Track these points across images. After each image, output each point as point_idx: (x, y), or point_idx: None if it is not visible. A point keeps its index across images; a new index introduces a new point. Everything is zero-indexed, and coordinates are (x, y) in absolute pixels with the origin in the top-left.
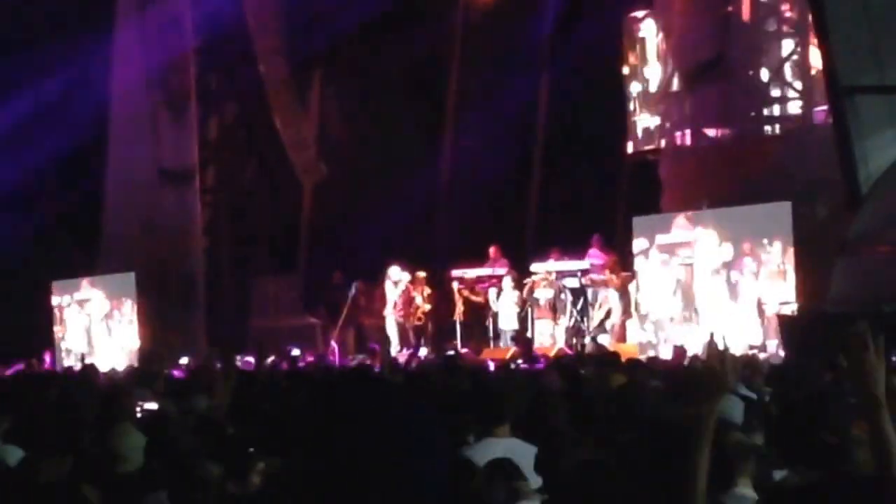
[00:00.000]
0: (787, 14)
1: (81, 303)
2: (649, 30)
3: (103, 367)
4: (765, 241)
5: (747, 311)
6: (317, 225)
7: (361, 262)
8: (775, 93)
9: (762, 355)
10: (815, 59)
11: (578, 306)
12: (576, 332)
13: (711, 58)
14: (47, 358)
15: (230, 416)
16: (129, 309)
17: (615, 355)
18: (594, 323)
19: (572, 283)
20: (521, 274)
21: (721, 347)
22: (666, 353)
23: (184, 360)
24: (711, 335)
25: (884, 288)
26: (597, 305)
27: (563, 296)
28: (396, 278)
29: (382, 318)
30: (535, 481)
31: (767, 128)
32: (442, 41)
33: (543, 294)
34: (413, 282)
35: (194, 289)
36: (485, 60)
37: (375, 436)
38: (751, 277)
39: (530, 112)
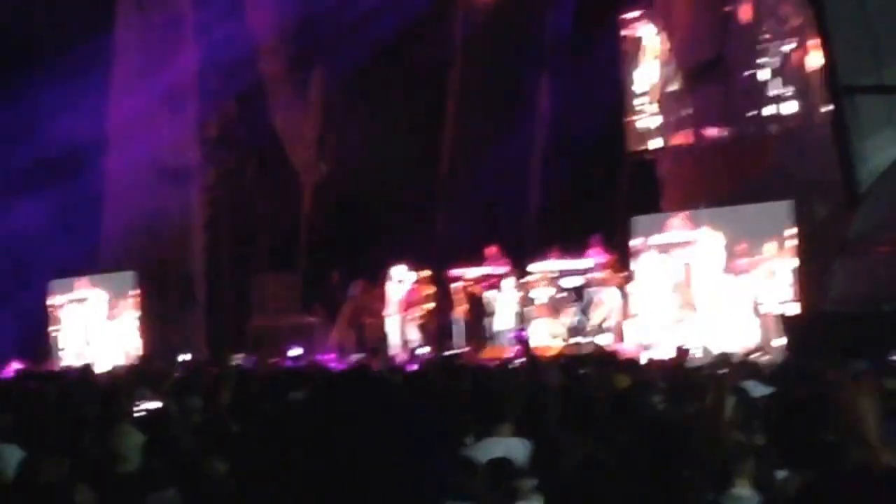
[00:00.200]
0: (787, 14)
1: (81, 301)
2: (649, 30)
3: (103, 367)
4: (762, 240)
5: (744, 311)
6: (316, 224)
7: (360, 261)
8: (774, 93)
9: (764, 357)
10: (815, 59)
11: (578, 306)
12: (575, 331)
13: (711, 58)
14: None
15: (230, 414)
16: (128, 307)
17: (615, 355)
18: (594, 323)
19: (572, 282)
20: (520, 273)
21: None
22: (661, 354)
23: (183, 358)
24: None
25: (883, 287)
26: (596, 305)
27: (562, 295)
28: (401, 277)
29: (382, 318)
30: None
31: (767, 127)
32: (443, 40)
33: (543, 293)
34: (419, 281)
35: (194, 287)
36: (485, 60)
37: (375, 436)
38: (748, 277)
39: (530, 111)
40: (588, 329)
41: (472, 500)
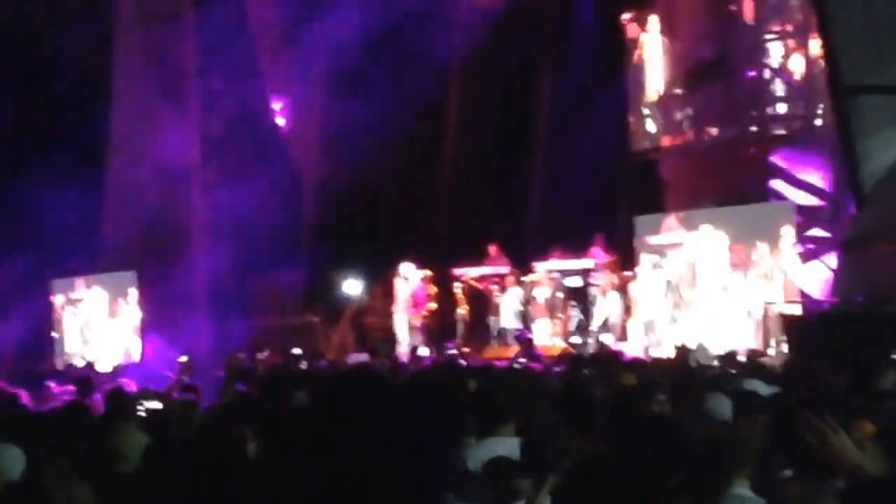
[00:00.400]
0: (790, 14)
1: (82, 301)
2: (651, 29)
3: (103, 366)
4: (762, 240)
5: (745, 311)
6: (318, 223)
7: (363, 260)
8: (777, 92)
9: (764, 358)
10: (818, 58)
11: (580, 306)
12: (578, 331)
13: (713, 57)
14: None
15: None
16: (129, 307)
17: (618, 355)
18: (596, 322)
19: (574, 282)
20: (522, 272)
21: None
22: (659, 353)
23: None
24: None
25: (886, 287)
26: (598, 305)
27: (563, 295)
28: (407, 275)
29: (384, 317)
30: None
31: (770, 127)
32: (445, 38)
33: (545, 293)
34: (424, 279)
35: (195, 286)
36: (486, 59)
37: (375, 436)
38: (748, 277)
39: (531, 110)
40: (590, 329)
41: (473, 500)
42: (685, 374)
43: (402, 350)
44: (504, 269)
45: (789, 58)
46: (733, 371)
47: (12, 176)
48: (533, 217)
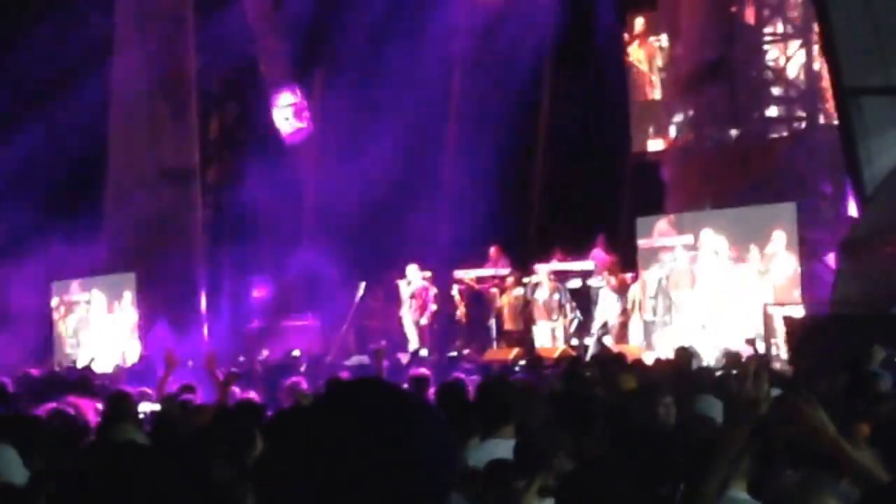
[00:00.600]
0: (791, 15)
1: (81, 303)
2: (653, 31)
3: (103, 368)
4: (763, 242)
5: (746, 313)
6: (318, 225)
7: (363, 261)
8: (779, 94)
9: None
10: (820, 59)
11: (580, 307)
12: (578, 332)
13: (715, 59)
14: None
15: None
16: (129, 308)
17: (620, 356)
18: (597, 324)
19: (575, 283)
20: (523, 274)
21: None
22: (651, 356)
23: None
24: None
25: (889, 289)
26: (598, 306)
27: (565, 296)
28: (410, 278)
29: (386, 319)
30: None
31: (771, 129)
32: (444, 38)
33: (546, 295)
34: (426, 281)
35: (195, 288)
36: (487, 60)
37: (377, 438)
38: (748, 279)
39: (533, 112)
40: (590, 330)
41: (476, 499)
42: (685, 376)
43: (409, 351)
44: (505, 271)
45: (790, 60)
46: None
47: (12, 178)
48: (534, 218)
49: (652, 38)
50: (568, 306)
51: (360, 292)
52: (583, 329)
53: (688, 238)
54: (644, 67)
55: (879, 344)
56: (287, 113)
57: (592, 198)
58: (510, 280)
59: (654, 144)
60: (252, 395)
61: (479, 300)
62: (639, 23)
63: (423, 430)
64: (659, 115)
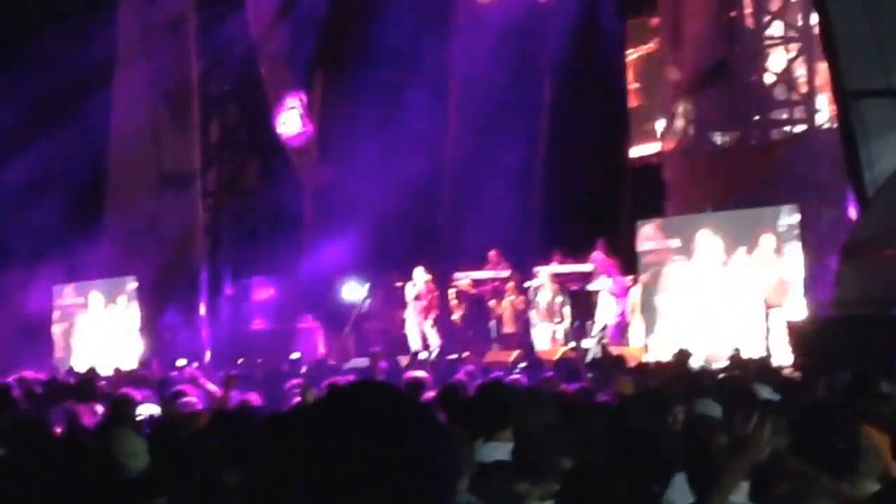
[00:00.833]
0: (792, 18)
1: (82, 306)
2: (654, 34)
3: (104, 372)
4: (763, 244)
5: (746, 316)
6: (318, 228)
7: (364, 264)
8: (780, 97)
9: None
10: (820, 62)
11: (581, 310)
12: (578, 335)
13: (716, 62)
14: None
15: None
16: (130, 312)
17: (620, 359)
18: (597, 327)
19: (575, 286)
20: (523, 277)
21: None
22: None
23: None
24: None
25: (890, 291)
26: (599, 309)
27: (565, 299)
28: (415, 280)
29: (386, 322)
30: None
31: (772, 132)
32: (441, 42)
33: (546, 297)
34: (429, 283)
35: (196, 292)
36: (486, 62)
37: (375, 439)
38: (748, 282)
39: (533, 114)
40: (590, 333)
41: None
42: (685, 378)
43: (413, 352)
44: (504, 274)
45: (791, 62)
46: (737, 374)
47: (12, 181)
48: (534, 221)
49: (651, 42)
50: (568, 309)
51: (364, 295)
52: (583, 332)
53: (675, 242)
54: (644, 70)
55: (881, 346)
56: (288, 117)
57: (593, 200)
58: (510, 283)
59: (655, 147)
60: (252, 397)
61: (478, 303)
62: (639, 26)
63: (421, 431)
64: (659, 118)
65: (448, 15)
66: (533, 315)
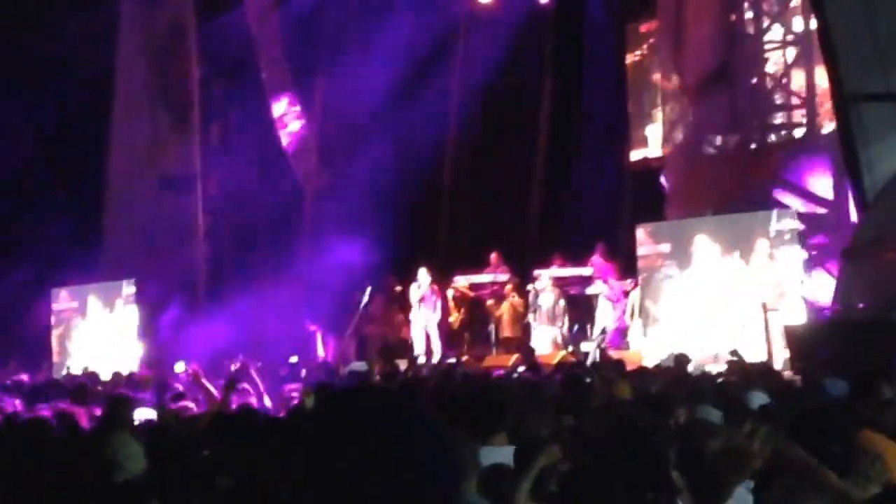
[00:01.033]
0: (791, 22)
1: (81, 310)
2: (654, 38)
3: (103, 375)
4: (762, 248)
5: (744, 320)
6: (318, 232)
7: (364, 266)
8: (779, 101)
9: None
10: (820, 66)
11: (580, 313)
12: (578, 339)
13: (716, 66)
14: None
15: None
16: (127, 316)
17: (619, 363)
18: (596, 330)
19: (575, 290)
20: (523, 280)
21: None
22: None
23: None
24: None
25: (891, 295)
26: (598, 313)
27: (564, 303)
28: (422, 280)
29: (385, 326)
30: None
31: (772, 136)
32: (443, 43)
33: (545, 301)
34: (431, 285)
35: (196, 294)
36: (485, 66)
37: (376, 444)
38: (748, 285)
39: (533, 117)
40: (590, 336)
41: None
42: (683, 382)
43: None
44: (504, 277)
45: (791, 67)
46: (733, 379)
47: (13, 185)
48: (534, 225)
49: (641, 49)
50: (568, 313)
51: (366, 297)
52: (583, 335)
53: (665, 247)
54: (633, 77)
55: (881, 350)
56: (287, 119)
57: (593, 204)
58: (509, 286)
59: (656, 151)
60: (251, 400)
61: (477, 306)
62: (638, 30)
63: (421, 434)
64: (647, 124)
65: (448, 15)
66: (532, 318)
